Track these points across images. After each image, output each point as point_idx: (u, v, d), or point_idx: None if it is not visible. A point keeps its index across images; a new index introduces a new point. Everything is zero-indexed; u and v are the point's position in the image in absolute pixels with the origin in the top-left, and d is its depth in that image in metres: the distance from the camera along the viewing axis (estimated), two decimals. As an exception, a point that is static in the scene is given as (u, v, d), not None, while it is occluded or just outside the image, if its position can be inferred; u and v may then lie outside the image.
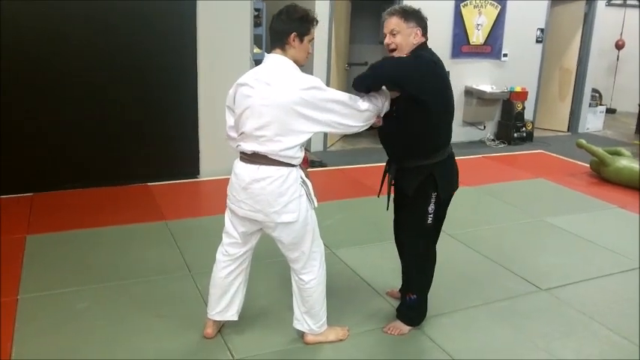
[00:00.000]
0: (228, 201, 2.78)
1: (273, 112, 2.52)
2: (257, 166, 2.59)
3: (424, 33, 2.80)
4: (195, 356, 2.85)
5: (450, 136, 2.88)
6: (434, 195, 2.80)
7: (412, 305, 3.05)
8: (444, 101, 2.78)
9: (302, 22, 2.62)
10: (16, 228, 4.28)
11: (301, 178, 2.67)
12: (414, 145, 2.80)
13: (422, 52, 2.77)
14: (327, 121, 2.59)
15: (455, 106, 2.91)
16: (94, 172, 5.31)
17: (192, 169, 5.73)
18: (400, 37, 2.75)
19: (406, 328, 3.06)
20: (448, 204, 2.95)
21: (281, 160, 2.58)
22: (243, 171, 2.63)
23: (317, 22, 2.69)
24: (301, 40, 2.62)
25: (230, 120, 2.76)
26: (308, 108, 2.53)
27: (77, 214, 4.65)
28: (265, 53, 2.74)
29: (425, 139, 2.78)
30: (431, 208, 2.82)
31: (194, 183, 5.66)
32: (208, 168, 5.73)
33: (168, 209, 4.82)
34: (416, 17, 2.77)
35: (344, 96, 2.62)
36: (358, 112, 2.65)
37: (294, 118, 2.53)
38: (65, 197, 5.02)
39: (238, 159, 2.72)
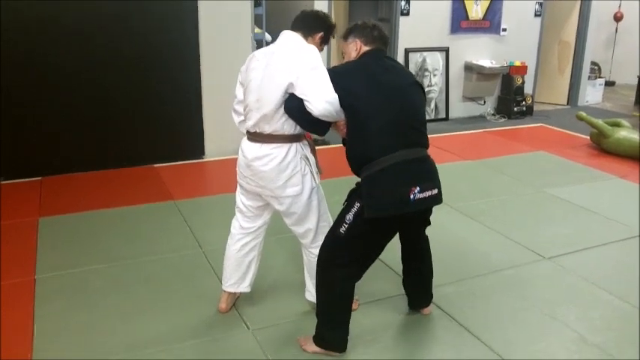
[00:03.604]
0: (237, 177, 2.88)
1: (270, 83, 2.59)
2: (259, 144, 2.69)
3: (367, 42, 2.69)
4: (211, 328, 2.94)
5: (386, 146, 2.51)
6: (357, 205, 2.55)
7: (317, 324, 2.73)
8: (354, 107, 2.54)
9: (330, 32, 2.80)
10: (29, 211, 4.36)
11: (304, 154, 2.74)
12: (348, 156, 2.67)
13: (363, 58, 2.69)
14: (302, 81, 2.52)
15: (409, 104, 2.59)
16: (100, 155, 5.37)
17: (198, 150, 5.80)
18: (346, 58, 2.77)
19: (310, 347, 2.74)
20: (380, 230, 2.60)
21: (283, 134, 2.65)
22: (248, 148, 2.74)
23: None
24: (321, 44, 2.77)
25: (240, 94, 2.83)
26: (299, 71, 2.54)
27: (87, 196, 4.72)
28: (266, 33, 2.81)
29: (350, 150, 2.66)
30: (348, 217, 2.57)
31: (200, 163, 5.73)
32: (213, 148, 5.79)
33: (175, 189, 4.88)
34: (353, 30, 2.76)
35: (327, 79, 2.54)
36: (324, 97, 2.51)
37: (282, 78, 2.56)
38: (73, 180, 5.09)
39: (245, 137, 2.81)
